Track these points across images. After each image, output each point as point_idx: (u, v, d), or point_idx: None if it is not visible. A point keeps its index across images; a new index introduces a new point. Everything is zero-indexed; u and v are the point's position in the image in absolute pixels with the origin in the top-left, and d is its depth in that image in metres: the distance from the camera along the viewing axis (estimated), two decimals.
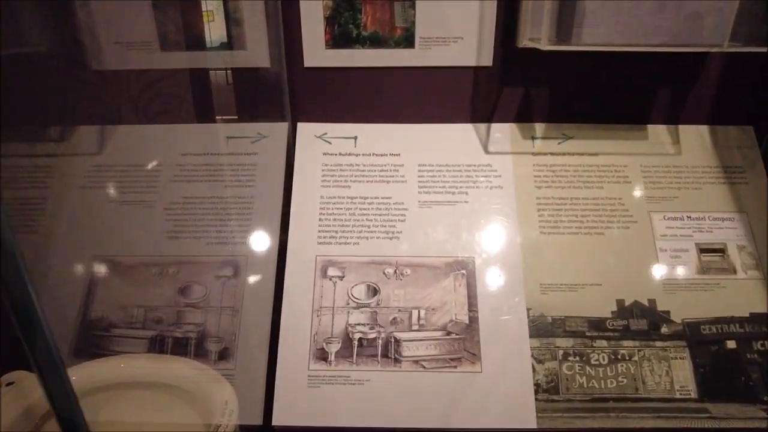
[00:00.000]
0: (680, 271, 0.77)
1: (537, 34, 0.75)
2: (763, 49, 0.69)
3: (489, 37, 0.80)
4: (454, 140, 0.84)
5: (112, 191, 0.83)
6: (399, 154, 0.84)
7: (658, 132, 0.85)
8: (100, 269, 0.79)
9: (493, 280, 0.76)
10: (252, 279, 0.77)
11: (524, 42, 0.77)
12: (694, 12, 0.67)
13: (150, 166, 0.84)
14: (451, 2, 0.78)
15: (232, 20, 0.80)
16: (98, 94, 0.85)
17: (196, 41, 0.81)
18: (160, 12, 0.79)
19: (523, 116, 0.85)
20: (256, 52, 0.81)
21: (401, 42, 0.80)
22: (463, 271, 0.77)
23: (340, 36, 0.80)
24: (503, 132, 0.85)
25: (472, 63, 0.81)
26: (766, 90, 0.85)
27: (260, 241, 0.79)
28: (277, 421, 0.69)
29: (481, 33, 0.79)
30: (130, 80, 0.83)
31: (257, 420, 0.69)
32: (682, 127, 0.86)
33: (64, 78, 0.83)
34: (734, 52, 0.72)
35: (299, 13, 0.79)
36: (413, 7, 0.78)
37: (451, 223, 0.80)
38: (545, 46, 0.69)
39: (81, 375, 0.74)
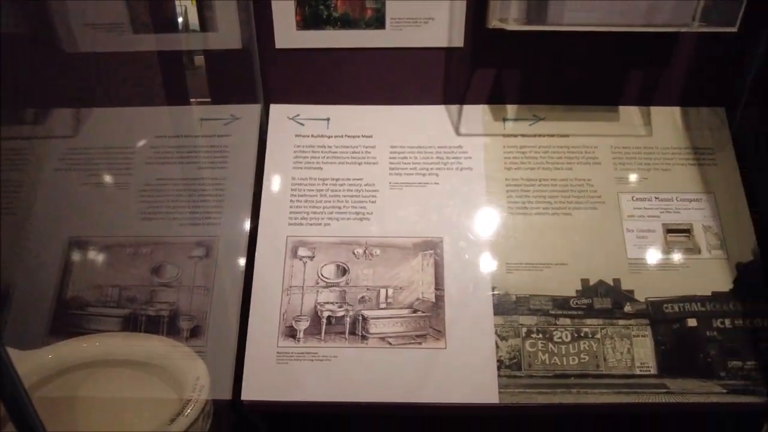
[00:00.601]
0: (646, 252, 0.80)
1: (506, 14, 0.77)
2: (733, 29, 0.72)
3: (460, 18, 0.82)
4: (425, 122, 0.87)
5: (87, 173, 0.86)
6: (371, 136, 0.86)
7: (630, 113, 0.88)
8: (76, 250, 0.82)
9: (460, 259, 0.79)
10: (223, 259, 0.80)
11: (494, 23, 0.78)
12: None
13: (125, 148, 0.87)
14: None
15: (203, 2, 0.82)
16: (72, 76, 0.88)
17: (167, 23, 0.84)
18: None
19: (495, 98, 0.88)
20: (228, 34, 0.83)
21: (372, 23, 0.82)
22: (432, 251, 0.80)
23: (310, 17, 0.82)
24: (475, 113, 0.87)
25: (443, 44, 0.83)
26: (738, 71, 0.87)
27: (232, 222, 0.82)
28: (246, 395, 0.73)
29: (452, 13, 0.81)
30: (103, 63, 0.86)
31: (227, 395, 0.73)
32: (654, 109, 0.88)
33: (37, 61, 0.85)
34: (706, 33, 0.75)
35: None
36: None
37: (421, 204, 0.82)
38: (512, 26, 0.71)
39: (58, 354, 0.78)
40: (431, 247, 0.80)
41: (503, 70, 0.86)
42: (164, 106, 0.88)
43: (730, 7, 0.71)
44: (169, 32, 0.83)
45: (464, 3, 0.81)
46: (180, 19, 0.83)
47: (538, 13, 0.74)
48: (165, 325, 0.78)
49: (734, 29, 0.69)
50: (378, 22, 0.82)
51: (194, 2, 0.83)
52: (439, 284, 0.78)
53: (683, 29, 0.71)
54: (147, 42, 0.84)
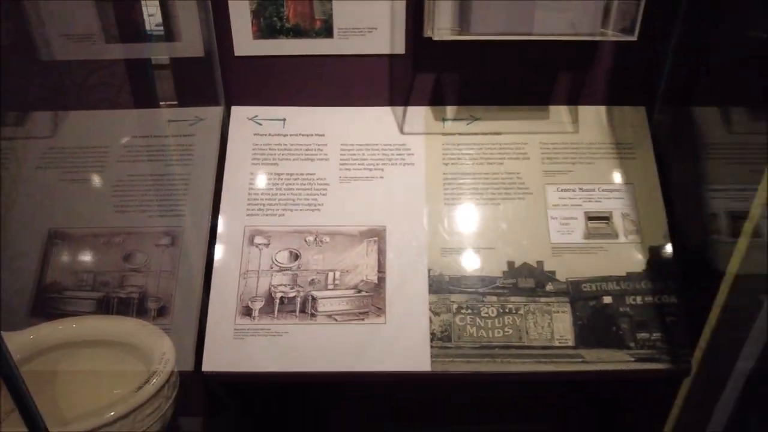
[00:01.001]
0: (568, 237, 0.90)
1: (439, 24, 0.87)
2: (632, 38, 0.81)
3: (400, 28, 0.91)
4: (373, 122, 0.97)
5: (64, 171, 0.96)
6: (323, 135, 0.96)
7: (559, 112, 0.98)
8: (55, 240, 0.92)
9: (400, 245, 0.89)
10: (187, 246, 0.90)
11: (428, 32, 0.88)
12: (565, 3, 0.79)
13: (99, 148, 0.97)
14: None
15: (168, 15, 0.92)
16: (50, 82, 0.97)
17: (136, 34, 0.93)
18: (103, 8, 0.91)
19: (436, 99, 0.98)
20: (191, 44, 0.93)
21: (321, 33, 0.92)
22: (376, 238, 0.90)
23: (266, 28, 0.92)
24: (417, 114, 0.97)
25: (386, 51, 0.93)
26: (657, 73, 0.97)
27: (195, 214, 0.92)
28: (206, 367, 0.83)
29: (393, 24, 0.91)
30: (78, 70, 0.95)
31: (189, 367, 0.83)
32: (581, 108, 0.98)
33: (17, 68, 0.95)
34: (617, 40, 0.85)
35: (228, 8, 0.91)
36: (330, 1, 0.90)
37: (368, 196, 0.92)
38: (439, 36, 0.81)
39: (38, 335, 0.88)
40: (375, 234, 0.90)
41: (442, 75, 0.96)
42: (134, 109, 0.98)
43: (629, 17, 0.82)
44: (137, 42, 0.93)
45: (403, 14, 0.91)
46: (147, 30, 0.93)
47: (465, 23, 0.84)
48: (135, 306, 0.88)
49: (634, 38, 0.79)
50: (326, 31, 0.92)
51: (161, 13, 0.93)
52: (381, 267, 0.88)
53: (588, 38, 0.80)
54: (117, 51, 0.94)
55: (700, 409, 0.90)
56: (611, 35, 0.82)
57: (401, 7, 0.90)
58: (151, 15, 0.92)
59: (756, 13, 0.87)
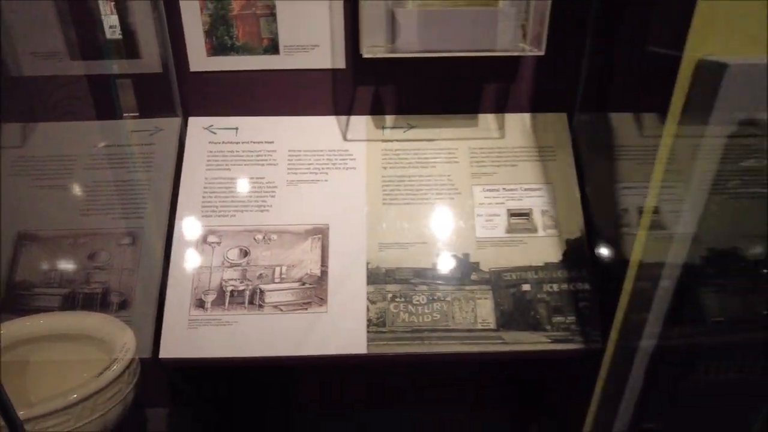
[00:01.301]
0: (492, 232, 1.00)
1: (372, 42, 0.97)
2: (540, 53, 0.92)
3: (340, 45, 1.01)
4: (318, 130, 1.07)
5: (33, 178, 1.04)
6: (272, 142, 1.06)
7: (487, 120, 1.08)
8: (24, 242, 1.00)
9: (342, 241, 0.99)
10: (147, 245, 0.99)
11: (362, 50, 0.98)
12: (479, 21, 0.90)
13: (66, 156, 1.05)
14: (305, 18, 0.99)
15: (128, 35, 1.01)
16: (19, 96, 1.06)
17: (99, 52, 1.02)
18: (69, 28, 1.00)
19: (376, 109, 1.08)
20: (150, 61, 1.02)
21: (268, 50, 1.02)
22: (319, 236, 0.99)
23: (218, 46, 1.02)
24: (360, 123, 1.07)
25: (328, 66, 1.03)
26: (575, 83, 1.07)
27: (155, 215, 1.01)
28: (163, 354, 0.92)
29: (333, 41, 1.01)
30: (46, 85, 1.04)
31: (147, 354, 0.91)
32: (507, 115, 1.09)
33: None
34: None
35: (183, 28, 1.00)
36: (275, 21, 1.00)
37: (313, 197, 1.02)
38: (366, 54, 0.91)
39: (8, 330, 0.96)
40: (319, 232, 1.00)
41: (381, 87, 1.06)
42: (99, 120, 1.07)
43: (538, 33, 0.92)
44: (100, 59, 1.02)
45: (342, 33, 1.01)
46: (109, 48, 1.02)
47: (391, 41, 0.95)
48: (98, 300, 0.96)
49: (541, 53, 0.90)
50: (273, 49, 1.02)
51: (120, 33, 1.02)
52: (324, 262, 0.98)
53: (502, 53, 0.91)
54: (81, 68, 1.02)
55: (616, 385, 1.00)
56: (521, 50, 0.93)
57: (340, 27, 1.01)
58: (113, 34, 1.01)
59: (654, 31, 0.99)
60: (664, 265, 0.93)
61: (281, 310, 0.95)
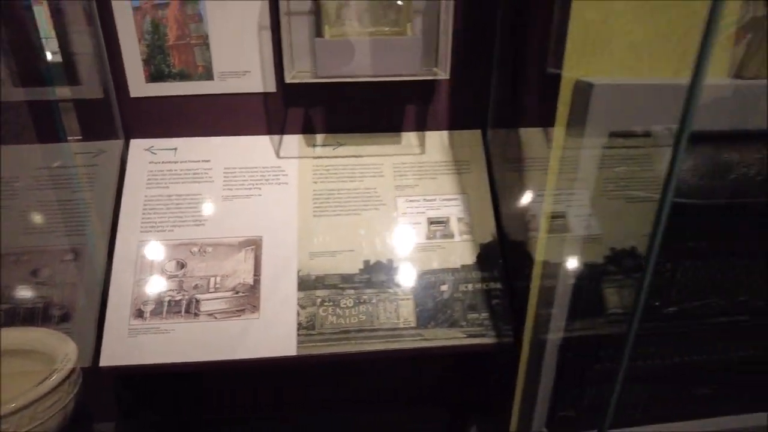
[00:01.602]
0: (413, 238, 1.09)
1: (297, 68, 1.07)
2: (446, 77, 1.03)
3: (270, 71, 1.11)
4: (253, 149, 1.15)
5: None
6: (209, 161, 1.14)
7: (410, 137, 1.19)
8: None
9: (274, 252, 1.07)
10: (89, 260, 1.05)
11: (288, 76, 1.08)
12: (391, 49, 1.00)
13: (13, 178, 1.11)
14: (237, 46, 1.08)
15: (69, 63, 1.08)
16: None
17: (43, 79, 1.09)
18: (9, 56, 1.07)
19: (307, 129, 1.17)
20: (91, 87, 1.10)
21: (203, 76, 1.10)
22: (253, 247, 1.07)
23: (156, 73, 1.09)
24: (292, 142, 1.16)
25: (260, 90, 1.12)
26: (487, 102, 1.19)
27: (97, 232, 1.07)
28: (103, 363, 0.97)
29: (264, 68, 1.10)
30: None
31: (88, 363, 0.97)
32: (428, 133, 1.19)
33: None
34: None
35: (122, 57, 1.08)
36: (209, 50, 1.08)
37: (247, 211, 1.10)
38: (288, 80, 1.00)
39: None
40: (253, 243, 1.07)
41: (311, 108, 1.16)
42: (45, 143, 1.13)
43: (445, 59, 1.03)
44: (45, 86, 1.09)
45: (272, 60, 1.10)
46: (52, 75, 1.08)
47: (313, 67, 1.04)
48: (40, 314, 1.01)
49: (447, 77, 1.01)
50: (207, 75, 1.11)
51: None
52: (257, 271, 1.05)
53: (409, 78, 1.02)
54: (25, 94, 1.09)
55: (535, 376, 1.10)
56: (430, 74, 1.03)
57: (269, 55, 1.10)
58: (54, 61, 1.08)
59: (550, 53, 1.11)
60: (562, 264, 1.04)
61: (215, 318, 1.02)
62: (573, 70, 0.91)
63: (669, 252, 0.99)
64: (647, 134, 0.94)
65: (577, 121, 0.92)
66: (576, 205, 1.03)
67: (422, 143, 1.19)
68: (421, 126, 1.20)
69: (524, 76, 1.16)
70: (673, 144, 0.70)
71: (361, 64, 1.01)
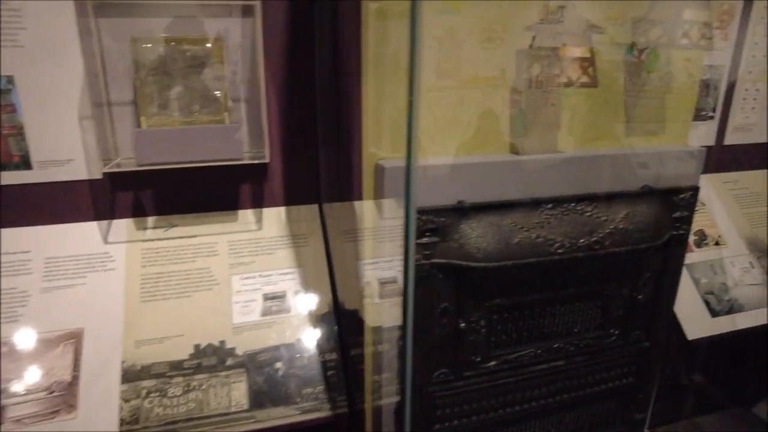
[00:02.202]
0: (248, 317, 1.11)
1: (123, 155, 1.08)
2: (266, 161, 1.09)
3: (95, 159, 1.11)
4: (78, 236, 1.12)
5: None
6: (29, 251, 1.09)
7: (247, 215, 1.22)
8: None
9: (96, 344, 1.03)
10: None
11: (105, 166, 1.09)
12: (210, 136, 1.05)
13: None
14: (57, 135, 1.08)
15: None
16: None
17: None
18: None
19: (139, 212, 1.17)
20: None
21: (20, 166, 1.08)
22: (72, 340, 1.02)
23: None
24: (120, 227, 1.15)
25: (85, 177, 1.11)
26: (318, 177, 1.26)
27: None
28: None
29: (88, 155, 1.10)
30: None
31: None
32: (265, 210, 1.24)
33: None
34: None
35: None
36: (24, 139, 1.07)
37: (68, 303, 1.06)
38: (105, 170, 1.01)
39: None
40: (72, 337, 1.03)
41: (142, 192, 1.16)
42: None
43: (268, 146, 1.10)
44: None
45: (96, 147, 1.10)
46: None
47: (135, 155, 1.06)
48: None
49: (267, 161, 1.07)
50: (25, 164, 1.08)
51: None
52: (76, 367, 1.00)
53: (233, 162, 1.07)
54: None
55: None
56: (254, 157, 1.09)
57: (93, 142, 1.10)
58: None
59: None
60: (394, 327, 1.10)
61: (24, 423, 0.95)
62: (372, 153, 1.00)
63: (481, 311, 1.08)
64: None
65: (378, 196, 1.01)
66: (394, 271, 1.10)
67: (259, 220, 1.23)
68: (258, 203, 1.24)
69: (347, 155, 1.25)
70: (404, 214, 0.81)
71: (182, 152, 1.04)
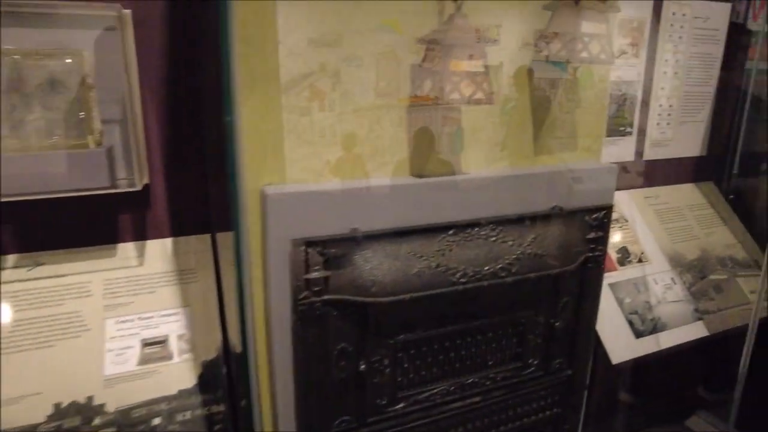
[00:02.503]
0: (122, 367, 0.98)
1: None
2: (138, 188, 0.98)
3: None
4: None
5: None
6: None
7: (127, 249, 1.10)
8: None
9: None
10: None
11: None
12: (75, 162, 0.93)
13: None
14: None
15: None
16: None
17: None
18: None
19: None
20: None
21: None
22: None
23: None
24: None
25: None
26: (208, 203, 1.16)
27: None
28: None
29: None
30: None
31: None
32: (149, 242, 1.12)
33: None
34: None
35: None
36: None
37: None
38: None
39: None
40: None
41: (2, 227, 1.02)
42: None
43: (139, 172, 0.98)
44: None
45: None
46: None
47: None
48: None
49: (139, 188, 0.96)
50: None
51: None
52: None
53: (97, 192, 0.95)
54: None
55: None
56: (123, 186, 0.98)
57: None
58: None
59: None
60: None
61: None
62: (255, 179, 0.90)
63: (385, 348, 1.00)
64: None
65: (264, 224, 0.91)
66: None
67: (141, 254, 1.10)
68: (140, 235, 1.12)
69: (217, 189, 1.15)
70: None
71: (41, 181, 0.92)
